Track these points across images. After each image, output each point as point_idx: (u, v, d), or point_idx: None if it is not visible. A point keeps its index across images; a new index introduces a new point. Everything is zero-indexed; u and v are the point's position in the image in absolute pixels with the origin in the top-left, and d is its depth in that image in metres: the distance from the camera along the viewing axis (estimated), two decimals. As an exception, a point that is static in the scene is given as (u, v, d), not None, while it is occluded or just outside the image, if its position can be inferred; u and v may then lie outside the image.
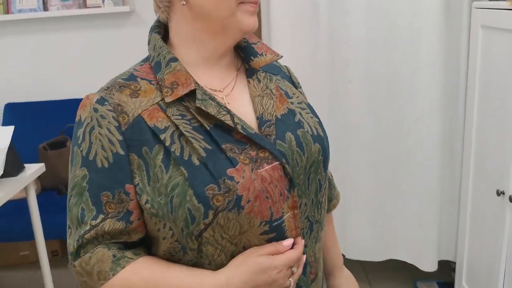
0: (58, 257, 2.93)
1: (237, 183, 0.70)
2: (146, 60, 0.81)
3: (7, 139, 1.99)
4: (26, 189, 2.23)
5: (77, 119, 0.75)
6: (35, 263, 2.94)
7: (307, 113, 0.83)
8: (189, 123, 0.73)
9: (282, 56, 0.84)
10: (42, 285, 2.73)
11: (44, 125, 3.01)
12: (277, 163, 0.74)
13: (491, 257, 1.74)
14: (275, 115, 0.79)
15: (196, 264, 0.75)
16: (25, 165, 2.20)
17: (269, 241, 0.74)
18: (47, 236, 2.40)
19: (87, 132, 0.73)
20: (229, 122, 0.74)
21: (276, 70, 0.90)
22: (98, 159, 0.72)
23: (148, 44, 0.80)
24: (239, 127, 0.74)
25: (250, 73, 0.83)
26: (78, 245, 0.73)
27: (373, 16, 2.01)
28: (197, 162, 0.70)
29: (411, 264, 2.54)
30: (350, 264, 2.65)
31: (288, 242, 0.75)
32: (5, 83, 3.05)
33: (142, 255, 0.76)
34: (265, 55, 0.83)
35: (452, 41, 2.00)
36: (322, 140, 0.81)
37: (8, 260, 2.95)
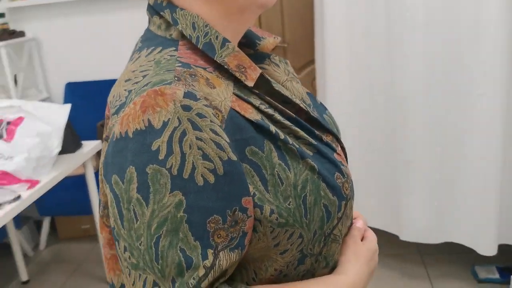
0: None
1: (346, 167, 0.65)
2: (172, 44, 0.62)
3: (64, 117, 2.06)
4: (84, 165, 2.31)
5: (139, 126, 0.52)
6: (95, 236, 3.08)
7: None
8: (273, 112, 0.61)
9: (280, 39, 0.76)
10: (101, 257, 2.85)
11: (103, 103, 3.09)
12: (339, 144, 0.71)
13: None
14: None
15: (305, 275, 0.64)
16: (83, 142, 2.28)
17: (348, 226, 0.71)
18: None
19: (175, 140, 0.52)
20: (303, 105, 0.66)
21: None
22: (198, 175, 0.52)
23: (174, 23, 0.62)
24: (309, 109, 0.67)
25: (256, 58, 0.72)
26: None
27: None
28: (311, 152, 0.61)
29: (469, 248, 2.44)
30: (405, 245, 2.58)
31: (360, 223, 0.73)
32: (65, 63, 3.15)
33: None
34: (266, 38, 0.74)
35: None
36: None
37: (71, 233, 3.09)
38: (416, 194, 2.17)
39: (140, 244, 0.53)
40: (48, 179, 1.92)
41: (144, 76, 0.57)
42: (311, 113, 0.67)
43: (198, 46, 0.60)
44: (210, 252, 0.53)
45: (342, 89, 2.23)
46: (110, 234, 0.66)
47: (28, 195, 1.79)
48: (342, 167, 0.64)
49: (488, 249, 2.09)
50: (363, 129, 2.25)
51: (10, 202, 1.72)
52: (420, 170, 2.13)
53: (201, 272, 0.52)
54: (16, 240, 2.63)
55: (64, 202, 2.81)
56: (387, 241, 2.66)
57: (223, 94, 0.57)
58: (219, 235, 0.53)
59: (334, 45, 2.18)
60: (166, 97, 0.52)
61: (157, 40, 0.63)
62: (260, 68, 0.69)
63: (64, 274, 2.72)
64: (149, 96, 0.53)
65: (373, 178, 2.30)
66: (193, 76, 0.56)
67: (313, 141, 0.62)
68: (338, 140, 0.71)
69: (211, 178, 0.53)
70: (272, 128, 0.59)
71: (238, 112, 0.57)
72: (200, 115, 0.53)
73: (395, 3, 1.97)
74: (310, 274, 0.64)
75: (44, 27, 3.10)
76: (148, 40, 0.64)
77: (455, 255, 2.49)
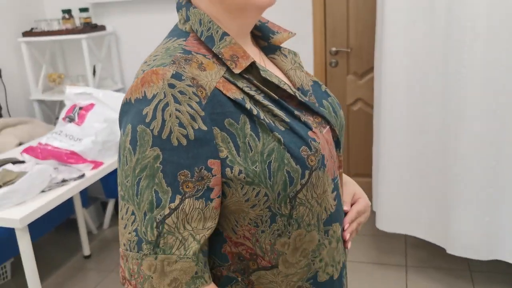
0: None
1: (318, 143, 0.75)
2: (184, 35, 0.77)
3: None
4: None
5: (137, 95, 0.68)
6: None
7: (326, 87, 0.89)
8: (257, 94, 0.74)
9: (295, 34, 0.87)
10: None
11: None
12: (328, 127, 0.81)
13: None
14: (310, 86, 0.85)
15: (282, 234, 0.75)
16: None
17: (334, 199, 0.81)
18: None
19: (159, 109, 0.67)
20: (290, 91, 0.78)
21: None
22: (174, 137, 0.67)
23: (187, 19, 0.77)
24: (297, 95, 0.78)
25: (269, 50, 0.85)
26: (158, 233, 0.67)
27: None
28: (282, 128, 0.73)
29: (523, 269, 2.35)
30: (455, 260, 2.53)
31: (347, 207, 0.90)
32: (141, 57, 3.35)
33: (211, 283, 0.72)
34: (280, 32, 0.86)
35: None
36: (341, 108, 0.89)
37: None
38: (467, 208, 2.12)
39: (127, 182, 0.69)
40: (111, 162, 2.08)
41: (154, 60, 0.73)
42: (299, 97, 0.78)
43: (202, 39, 0.75)
44: (178, 197, 0.67)
45: (397, 96, 2.23)
46: None
47: (92, 175, 1.95)
48: (313, 142, 0.74)
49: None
50: (416, 138, 2.23)
51: (75, 179, 1.89)
52: (473, 183, 2.08)
53: (167, 211, 0.67)
54: (82, 217, 2.84)
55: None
56: (437, 254, 2.62)
57: (211, 76, 0.71)
58: (187, 186, 0.68)
59: (391, 52, 2.18)
60: (158, 76, 0.68)
61: (176, 32, 0.79)
62: (270, 58, 0.85)
63: (122, 253, 2.91)
64: (147, 74, 0.69)
65: (424, 189, 2.27)
66: (188, 61, 0.71)
67: (287, 119, 0.73)
68: (328, 122, 0.82)
69: (184, 141, 0.67)
70: (248, 105, 0.71)
71: (221, 91, 0.71)
72: (181, 92, 0.68)
73: (456, 12, 1.95)
74: (286, 235, 0.75)
75: (123, 23, 3.33)
76: (172, 31, 0.80)
77: (506, 275, 2.41)
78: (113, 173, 2.99)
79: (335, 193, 0.81)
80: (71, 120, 2.14)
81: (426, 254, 2.65)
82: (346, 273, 0.91)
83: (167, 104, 0.67)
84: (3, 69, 3.10)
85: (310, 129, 0.75)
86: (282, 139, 0.71)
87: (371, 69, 3.00)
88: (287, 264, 0.77)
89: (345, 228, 0.87)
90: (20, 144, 2.56)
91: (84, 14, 3.19)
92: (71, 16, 3.15)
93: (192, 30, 0.77)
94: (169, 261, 0.68)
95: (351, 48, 3.02)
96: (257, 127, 0.71)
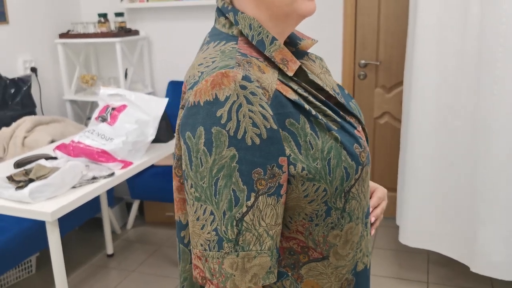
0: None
1: (364, 141, 0.81)
2: (233, 39, 0.80)
3: (161, 110, 2.26)
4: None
5: (208, 98, 0.70)
6: (176, 225, 3.29)
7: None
8: (308, 95, 0.79)
9: (317, 41, 0.93)
10: (179, 244, 3.04)
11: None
12: (361, 126, 0.87)
13: None
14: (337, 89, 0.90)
15: (335, 227, 0.79)
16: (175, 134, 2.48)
17: (368, 193, 0.88)
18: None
19: (233, 110, 0.69)
20: (332, 93, 0.84)
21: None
22: (248, 137, 0.69)
23: (236, 24, 0.80)
24: (338, 96, 0.85)
25: (298, 55, 0.89)
26: (238, 230, 0.70)
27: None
28: (335, 127, 0.78)
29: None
30: (477, 278, 2.49)
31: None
32: (171, 62, 3.43)
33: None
34: (305, 39, 0.91)
35: None
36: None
37: (156, 218, 3.34)
38: (494, 226, 2.10)
39: (203, 183, 0.71)
40: (140, 162, 2.13)
41: (213, 62, 0.75)
42: (338, 99, 0.84)
43: (253, 42, 0.79)
44: (253, 195, 0.70)
45: (426, 111, 2.22)
46: (179, 182, 0.83)
47: (121, 174, 2.00)
48: (360, 140, 0.80)
49: None
50: (443, 154, 2.22)
51: (105, 177, 1.93)
52: (500, 201, 2.06)
53: (244, 209, 0.70)
54: (107, 216, 2.90)
55: (153, 189, 3.05)
56: (459, 272, 2.59)
57: (270, 79, 0.75)
58: (260, 183, 0.70)
59: (422, 67, 2.19)
60: (229, 78, 0.70)
61: (222, 36, 0.82)
62: (300, 62, 0.87)
63: (145, 253, 2.95)
64: (217, 76, 0.70)
65: (449, 205, 2.26)
66: (249, 64, 0.75)
67: (338, 119, 0.79)
68: (359, 122, 0.88)
69: (257, 140, 0.70)
70: (306, 106, 0.75)
71: (281, 93, 0.74)
72: (252, 93, 0.70)
73: (488, 27, 1.95)
74: (339, 228, 0.79)
75: (156, 28, 3.40)
76: (215, 35, 0.83)
77: (532, 297, 2.36)
78: (140, 174, 3.05)
79: (369, 187, 0.88)
80: (104, 120, 2.19)
81: (448, 272, 2.62)
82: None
83: (240, 105, 0.69)
84: (39, 68, 3.19)
85: (355, 128, 0.82)
86: (339, 137, 0.76)
87: (399, 83, 3.00)
88: (337, 256, 0.81)
89: (371, 217, 0.95)
90: (53, 141, 2.63)
91: (119, 19, 3.27)
92: (106, 20, 3.23)
93: (242, 34, 0.80)
94: (249, 257, 0.70)
95: (380, 61, 3.02)
96: (315, 126, 0.75)
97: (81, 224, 2.85)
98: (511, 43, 1.91)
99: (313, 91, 0.80)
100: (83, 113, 3.53)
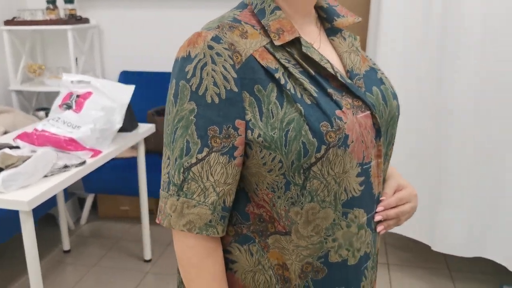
0: (153, 216, 3.16)
1: (345, 123, 0.76)
2: (242, 7, 0.84)
3: (128, 97, 2.20)
4: (137, 145, 2.45)
5: (183, 54, 0.76)
6: (133, 219, 3.21)
7: (383, 73, 0.91)
8: (294, 67, 0.78)
9: (361, 19, 0.90)
10: (139, 237, 2.98)
11: (153, 93, 3.25)
12: (368, 112, 0.81)
13: None
14: (362, 71, 0.86)
15: (295, 203, 0.78)
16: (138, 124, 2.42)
17: (360, 184, 0.80)
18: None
19: (198, 67, 0.74)
20: (330, 70, 0.80)
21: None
22: (208, 95, 0.74)
23: None
24: (338, 75, 0.80)
25: (331, 32, 0.90)
26: (184, 178, 0.75)
27: (491, 3, 1.99)
28: (308, 101, 0.75)
29: (499, 268, 2.48)
30: (434, 259, 2.64)
31: (385, 197, 0.89)
32: (122, 52, 3.33)
33: (220, 243, 0.80)
34: (346, 17, 0.90)
35: None
36: (397, 98, 0.90)
37: (110, 213, 3.23)
38: (453, 208, 2.23)
39: (167, 130, 0.78)
40: (109, 151, 2.06)
41: (207, 25, 0.81)
42: (339, 78, 0.80)
43: (254, 11, 0.82)
44: (205, 150, 0.75)
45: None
46: None
47: (92, 162, 1.93)
48: (337, 120, 0.75)
49: (519, 267, 2.13)
50: (407, 140, 2.33)
51: (76, 165, 1.86)
52: (459, 185, 2.19)
53: (193, 160, 0.75)
54: (64, 211, 2.77)
55: (108, 182, 2.95)
56: (420, 255, 2.72)
57: (250, 44, 0.77)
58: (215, 141, 0.75)
59: (386, 56, 2.28)
60: (200, 38, 0.76)
61: (240, 4, 0.86)
62: (330, 39, 0.89)
63: (102, 248, 2.86)
64: (193, 36, 0.77)
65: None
66: (232, 28, 0.78)
67: (315, 94, 0.76)
68: (369, 107, 0.82)
69: (216, 99, 0.74)
70: (278, 75, 0.76)
71: (256, 59, 0.76)
72: (218, 54, 0.74)
73: (451, 20, 2.06)
74: (298, 205, 0.78)
75: (106, 16, 3.29)
76: (239, 4, 0.87)
77: (483, 274, 2.53)
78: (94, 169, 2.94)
79: (362, 178, 0.80)
80: (69, 107, 2.10)
81: (406, 253, 2.75)
82: (373, 267, 0.90)
83: (205, 64, 0.74)
84: (-18, 56, 2.99)
85: (340, 108, 0.77)
86: (303, 111, 0.74)
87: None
88: (298, 235, 0.79)
89: (378, 210, 0.85)
90: (6, 132, 2.48)
91: (69, 6, 3.13)
92: (55, 7, 3.09)
93: (251, 3, 0.84)
94: (188, 205, 0.76)
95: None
96: (283, 96, 0.75)
97: (36, 220, 2.70)
98: (472, 35, 2.04)
99: (304, 64, 0.78)
100: (29, 103, 3.35)
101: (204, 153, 0.75)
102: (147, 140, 3.03)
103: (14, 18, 3.10)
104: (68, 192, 3.24)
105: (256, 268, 0.82)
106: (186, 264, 0.80)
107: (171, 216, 0.77)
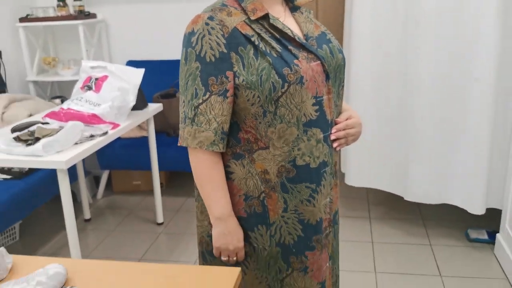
0: (162, 188, 3.53)
1: (300, 68, 1.10)
2: None
3: (139, 78, 2.56)
4: (147, 122, 2.81)
5: (189, 30, 1.11)
6: (144, 192, 3.58)
7: (332, 36, 1.27)
8: (265, 33, 1.12)
9: None
10: (152, 207, 3.34)
11: (157, 79, 3.60)
12: (319, 62, 1.15)
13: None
14: (315, 34, 1.21)
15: (270, 125, 1.12)
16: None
17: (316, 111, 1.14)
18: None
19: (199, 38, 1.09)
20: (290, 34, 1.14)
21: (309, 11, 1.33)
22: (207, 56, 1.08)
23: None
24: (296, 37, 1.14)
25: (293, 9, 1.24)
26: (195, 113, 1.10)
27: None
28: (275, 55, 1.09)
29: (464, 214, 2.86)
30: (409, 211, 3.01)
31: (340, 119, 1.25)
32: (128, 43, 3.68)
33: (221, 158, 1.16)
34: None
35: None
36: (343, 53, 1.25)
37: (124, 187, 3.60)
38: (421, 164, 2.60)
39: (181, 82, 1.14)
40: (126, 124, 2.42)
41: (205, 9, 1.15)
42: (297, 39, 1.14)
43: None
44: (208, 93, 1.10)
45: (364, 72, 2.68)
46: None
47: (113, 133, 2.29)
48: (295, 66, 1.10)
49: (477, 209, 2.50)
50: (380, 108, 2.69)
51: (100, 135, 2.22)
52: (427, 144, 2.56)
53: (200, 100, 1.11)
54: (84, 183, 3.14)
55: (121, 158, 3.31)
56: (394, 207, 3.10)
57: (234, 20, 1.12)
58: (214, 87, 1.10)
59: (359, 35, 2.64)
60: (200, 18, 1.11)
61: None
62: (293, 14, 1.23)
63: (119, 216, 3.23)
64: (195, 17, 1.12)
65: (385, 148, 2.74)
66: (221, 10, 1.13)
67: (279, 50, 1.11)
68: (318, 57, 1.15)
69: (213, 59, 1.09)
70: (253, 39, 1.10)
71: (238, 30, 1.11)
72: (212, 28, 1.09)
73: (412, 8, 2.42)
74: (273, 126, 1.12)
75: (112, 12, 3.63)
76: None
77: (451, 220, 2.91)
78: (109, 146, 3.30)
79: (317, 107, 1.14)
80: (90, 88, 2.45)
81: (385, 208, 3.13)
82: (331, 173, 1.23)
83: (204, 35, 1.09)
84: (3, 50, 3.34)
85: (297, 58, 1.11)
86: (271, 61, 1.08)
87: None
88: (274, 147, 1.14)
89: (332, 131, 1.20)
90: (30, 115, 2.84)
91: (78, 3, 3.48)
92: (65, 4, 3.43)
93: None
94: (199, 130, 1.11)
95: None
96: (258, 53, 1.10)
97: (53, 196, 2.99)
98: (430, 18, 2.39)
99: (272, 31, 1.13)
100: (44, 93, 3.71)
101: (207, 96, 1.10)
102: (154, 120, 3.39)
103: (27, 15, 3.44)
104: (84, 171, 3.60)
105: (247, 175, 1.18)
106: (199, 173, 1.16)
107: (188, 139, 1.12)
